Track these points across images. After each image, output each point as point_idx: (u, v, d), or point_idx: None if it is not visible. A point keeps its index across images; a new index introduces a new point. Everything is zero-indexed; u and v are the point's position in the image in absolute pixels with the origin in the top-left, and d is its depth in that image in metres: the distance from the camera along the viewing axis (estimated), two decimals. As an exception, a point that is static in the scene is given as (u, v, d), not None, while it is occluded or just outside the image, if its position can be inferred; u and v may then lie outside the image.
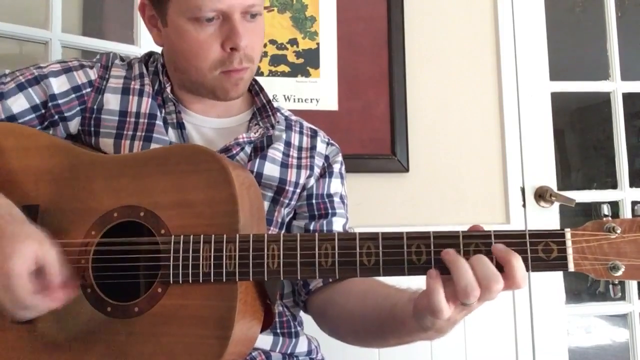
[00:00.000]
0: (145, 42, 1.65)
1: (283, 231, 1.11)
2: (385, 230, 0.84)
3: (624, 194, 1.96)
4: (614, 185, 2.01)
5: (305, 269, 0.83)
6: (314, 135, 1.18)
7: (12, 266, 0.77)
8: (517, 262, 0.76)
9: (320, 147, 1.17)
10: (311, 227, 1.11)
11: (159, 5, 1.03)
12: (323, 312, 1.07)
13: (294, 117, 1.20)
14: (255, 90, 1.16)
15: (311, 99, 1.79)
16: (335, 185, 1.16)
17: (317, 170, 1.14)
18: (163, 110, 1.07)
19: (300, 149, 1.15)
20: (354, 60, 1.82)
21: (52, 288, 0.81)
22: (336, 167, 1.17)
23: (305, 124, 1.20)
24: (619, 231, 0.77)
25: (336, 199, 1.15)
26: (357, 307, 1.00)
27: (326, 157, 1.17)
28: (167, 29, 1.04)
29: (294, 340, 1.08)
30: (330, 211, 1.12)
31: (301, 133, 1.17)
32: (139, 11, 1.09)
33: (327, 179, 1.15)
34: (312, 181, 1.13)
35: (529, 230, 0.79)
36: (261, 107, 1.13)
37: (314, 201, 1.12)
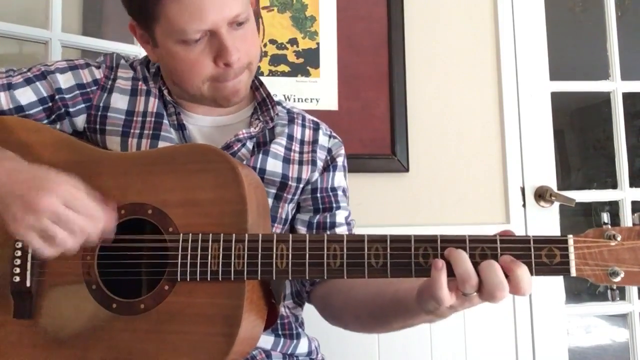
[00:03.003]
0: (145, 42, 1.64)
1: (287, 227, 1.12)
2: (385, 230, 0.84)
3: (624, 193, 1.96)
4: (614, 185, 2.01)
5: (313, 269, 0.84)
6: (316, 128, 1.18)
7: (62, 190, 0.81)
8: (521, 271, 0.78)
9: (323, 140, 1.17)
10: (315, 220, 1.12)
11: (146, 28, 1.03)
12: (327, 301, 1.09)
13: (296, 110, 1.20)
14: (255, 85, 1.16)
15: (311, 99, 1.79)
16: (338, 179, 1.16)
17: (320, 164, 1.15)
18: (166, 111, 1.08)
19: (302, 142, 1.15)
20: (354, 60, 1.82)
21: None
22: (339, 161, 1.17)
23: (308, 116, 1.20)
24: (619, 238, 0.80)
25: (339, 192, 1.16)
26: (360, 294, 1.02)
27: (329, 150, 1.17)
28: (158, 49, 1.04)
29: (295, 341, 1.08)
30: (334, 205, 1.13)
31: (303, 126, 1.17)
32: (130, 31, 1.08)
33: (331, 173, 1.15)
34: (316, 175, 1.13)
35: (533, 236, 0.81)
36: (261, 102, 1.14)
37: (318, 195, 1.13)
